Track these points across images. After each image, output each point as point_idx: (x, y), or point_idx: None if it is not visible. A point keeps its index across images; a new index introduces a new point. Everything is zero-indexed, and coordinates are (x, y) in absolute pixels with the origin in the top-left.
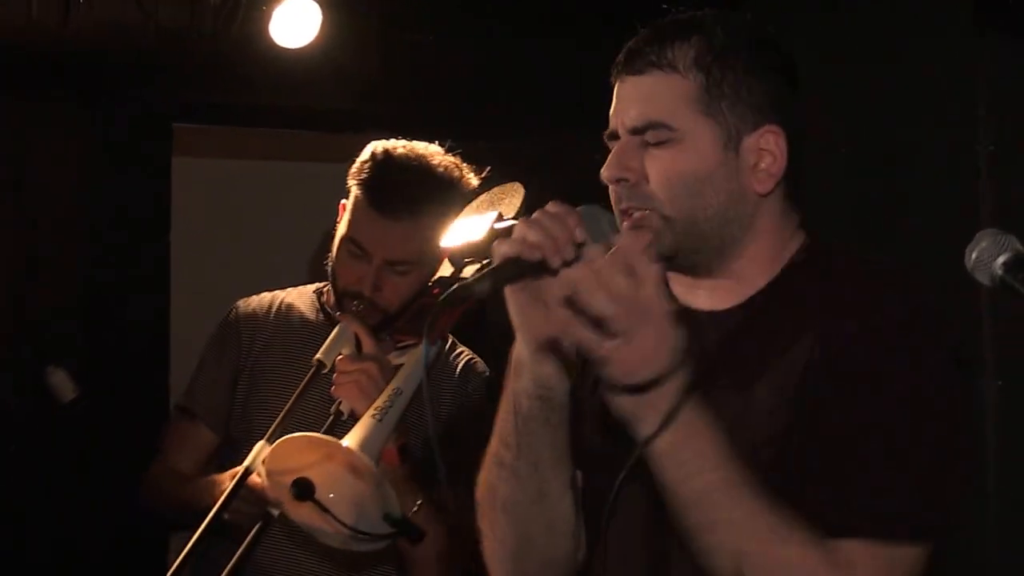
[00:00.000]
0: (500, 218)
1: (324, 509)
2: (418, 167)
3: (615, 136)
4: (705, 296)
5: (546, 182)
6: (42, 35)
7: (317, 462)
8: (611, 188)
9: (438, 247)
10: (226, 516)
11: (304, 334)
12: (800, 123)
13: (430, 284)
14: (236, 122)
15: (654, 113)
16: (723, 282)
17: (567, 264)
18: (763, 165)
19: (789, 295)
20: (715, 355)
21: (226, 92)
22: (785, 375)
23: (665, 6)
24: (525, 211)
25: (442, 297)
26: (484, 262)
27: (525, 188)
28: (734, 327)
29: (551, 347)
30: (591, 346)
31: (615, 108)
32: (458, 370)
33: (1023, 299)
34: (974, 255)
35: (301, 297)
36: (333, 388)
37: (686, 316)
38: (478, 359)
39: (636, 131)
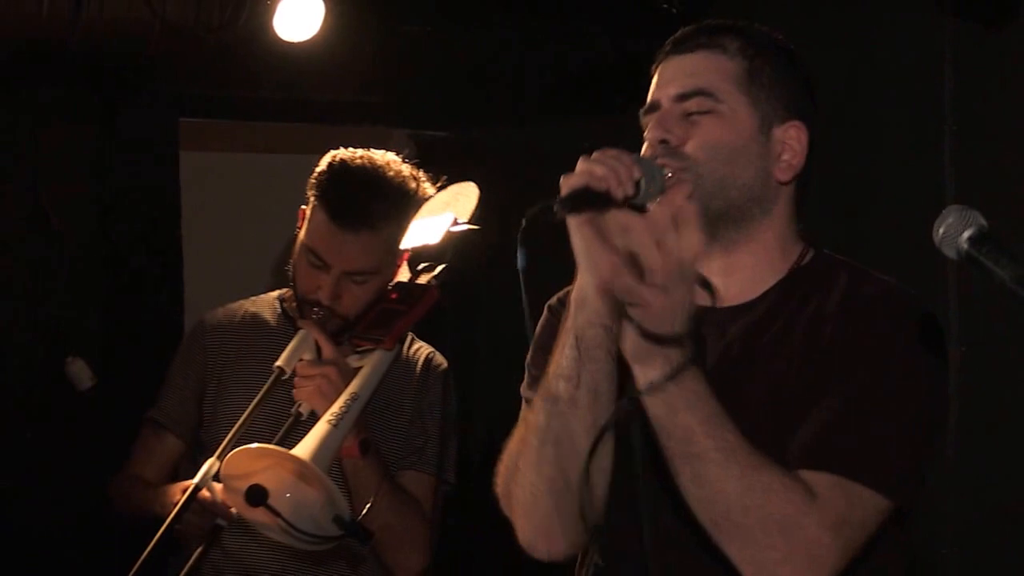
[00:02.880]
0: (455, 221)
1: (276, 513)
2: (375, 179)
3: (655, 108)
4: (720, 286)
5: (549, 170)
6: (52, 31)
7: (270, 468)
8: (649, 150)
9: (395, 255)
10: (177, 527)
11: (269, 340)
12: (815, 132)
13: (388, 288)
14: (242, 116)
15: (701, 83)
16: (736, 269)
17: (627, 199)
18: (786, 156)
19: (797, 296)
20: (725, 350)
21: (232, 87)
22: (785, 370)
23: (665, 5)
24: (480, 212)
25: (527, 215)
26: (442, 266)
27: (526, 181)
28: (746, 322)
29: (613, 281)
30: (632, 290)
31: (658, 84)
32: (419, 365)
33: (986, 271)
34: (941, 230)
35: (264, 304)
36: (294, 391)
37: (702, 313)
38: (437, 353)
39: (682, 97)
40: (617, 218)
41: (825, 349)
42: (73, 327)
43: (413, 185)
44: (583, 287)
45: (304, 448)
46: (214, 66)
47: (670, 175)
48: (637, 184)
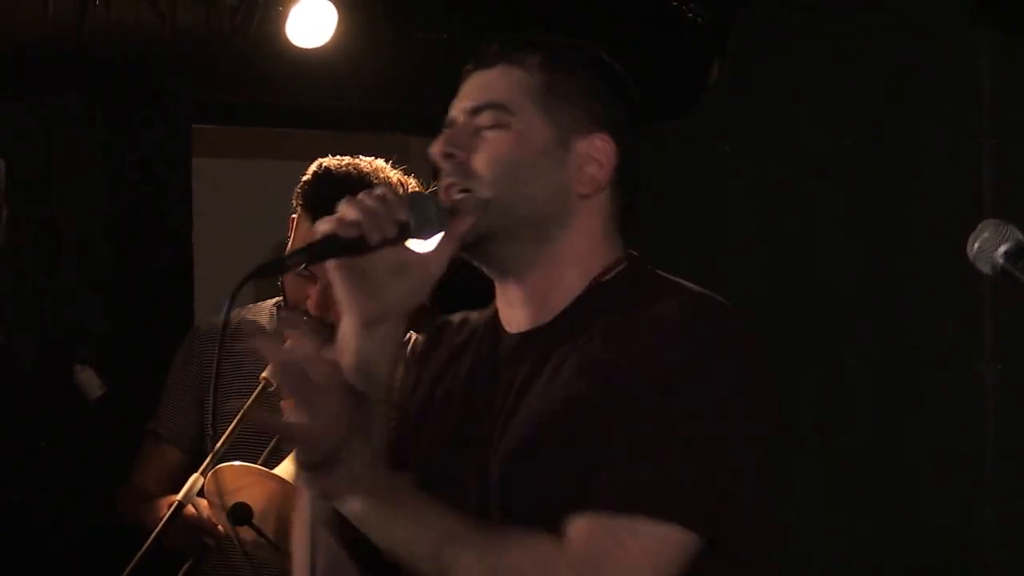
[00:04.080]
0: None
1: (262, 534)
2: (360, 186)
3: (452, 123)
4: (521, 314)
5: None
6: (58, 37)
7: (257, 484)
8: (438, 165)
9: None
10: (163, 543)
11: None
12: (633, 146)
13: None
14: (254, 122)
15: (494, 96)
16: (534, 293)
17: (388, 242)
18: (589, 170)
19: (593, 310)
20: (523, 378)
21: (244, 93)
22: (579, 386)
23: (691, 15)
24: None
25: (256, 267)
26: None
27: None
28: (541, 346)
29: (375, 323)
30: (282, 430)
31: (456, 98)
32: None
33: (1023, 287)
34: (976, 245)
35: (260, 312)
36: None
37: (499, 342)
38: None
39: (474, 111)
40: (384, 258)
41: (599, 371)
42: (82, 335)
43: (400, 191)
44: (344, 329)
45: (290, 466)
46: (227, 72)
47: (453, 204)
48: (404, 225)
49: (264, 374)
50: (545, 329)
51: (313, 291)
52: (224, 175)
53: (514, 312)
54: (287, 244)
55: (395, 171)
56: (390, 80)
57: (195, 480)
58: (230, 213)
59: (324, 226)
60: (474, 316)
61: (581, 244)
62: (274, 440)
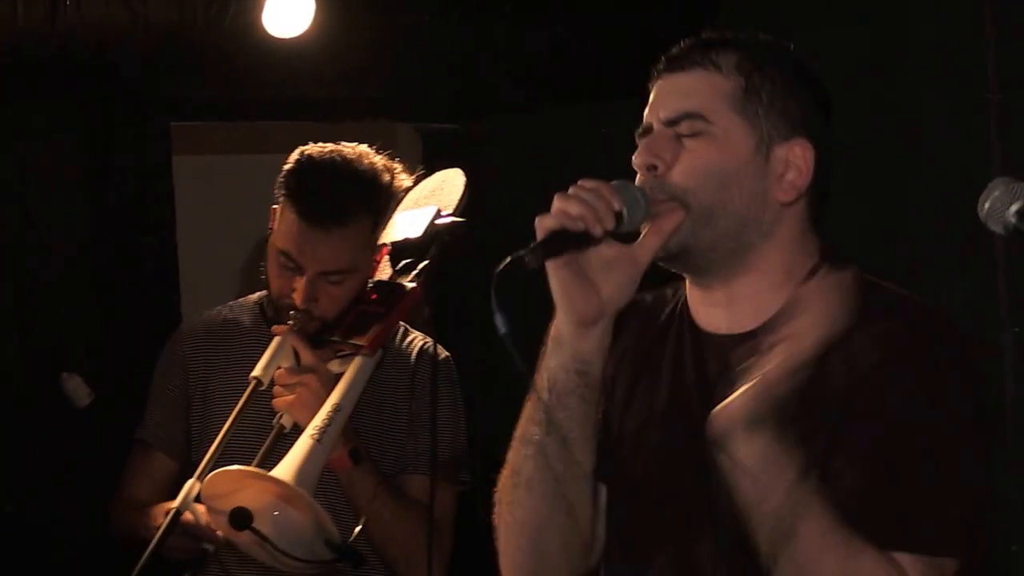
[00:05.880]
0: (439, 214)
1: (263, 538)
2: (344, 172)
3: (648, 131)
4: (723, 315)
5: (548, 161)
6: (29, 38)
7: (254, 489)
8: (639, 176)
9: (372, 252)
10: (163, 552)
11: (250, 347)
12: (830, 149)
13: (368, 288)
14: (234, 117)
15: (691, 104)
16: (739, 299)
17: (609, 234)
18: (789, 176)
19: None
20: (738, 376)
21: (222, 87)
22: (810, 397)
23: None
24: (468, 198)
25: (498, 270)
26: (424, 263)
27: (531, 169)
28: (751, 354)
29: (592, 321)
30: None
31: (651, 104)
32: (413, 358)
33: None
34: (987, 204)
35: (244, 309)
36: (273, 401)
37: (699, 340)
38: (431, 342)
39: (671, 122)
40: (600, 253)
41: (835, 389)
42: (67, 342)
43: (387, 177)
44: (560, 328)
45: (287, 468)
46: (203, 67)
47: (657, 198)
48: (619, 215)
49: (255, 372)
50: (753, 335)
51: (299, 283)
52: (207, 172)
53: (714, 313)
54: (267, 239)
55: (380, 156)
56: (372, 67)
57: (192, 485)
58: (214, 211)
59: (548, 222)
60: (649, 299)
61: (784, 251)
62: (267, 442)
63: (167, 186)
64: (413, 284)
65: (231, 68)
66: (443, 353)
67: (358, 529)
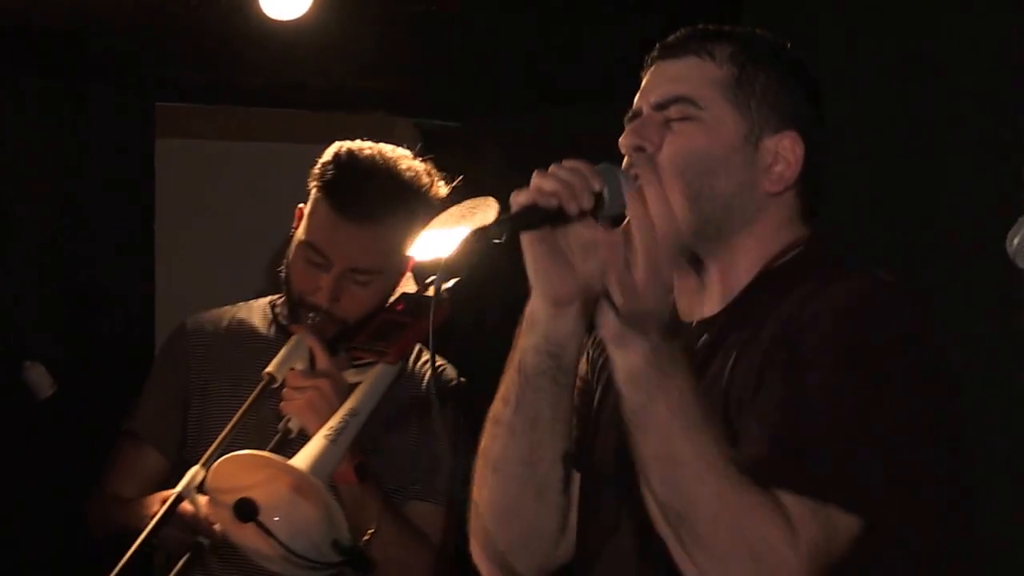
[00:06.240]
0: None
1: (267, 532)
2: (385, 171)
3: (637, 115)
4: (695, 300)
5: (548, 161)
6: (14, 13)
7: (263, 482)
8: (625, 160)
9: (401, 258)
10: (154, 542)
11: (258, 350)
12: (820, 143)
13: (392, 300)
14: (224, 101)
15: (682, 89)
16: (713, 282)
17: (585, 213)
18: (778, 168)
19: (763, 296)
20: (697, 368)
21: (213, 69)
22: (748, 367)
23: None
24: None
25: (464, 238)
26: (455, 279)
27: (531, 169)
28: (713, 336)
29: (567, 302)
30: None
31: (642, 89)
32: (425, 380)
33: None
34: (1016, 241)
35: (254, 311)
36: (282, 404)
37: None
38: (448, 366)
39: (660, 106)
40: (579, 233)
41: (773, 354)
42: (32, 330)
43: (426, 181)
44: (534, 307)
45: (302, 459)
46: (193, 46)
47: (638, 180)
48: (599, 196)
49: (268, 369)
50: (718, 318)
51: (324, 281)
52: (191, 157)
53: (683, 301)
54: (291, 238)
55: (420, 161)
56: (373, 56)
57: (195, 472)
58: (196, 199)
59: (521, 197)
60: None
61: (763, 241)
62: (271, 445)
63: (148, 169)
64: (444, 297)
65: (223, 50)
66: (455, 377)
67: (371, 532)
